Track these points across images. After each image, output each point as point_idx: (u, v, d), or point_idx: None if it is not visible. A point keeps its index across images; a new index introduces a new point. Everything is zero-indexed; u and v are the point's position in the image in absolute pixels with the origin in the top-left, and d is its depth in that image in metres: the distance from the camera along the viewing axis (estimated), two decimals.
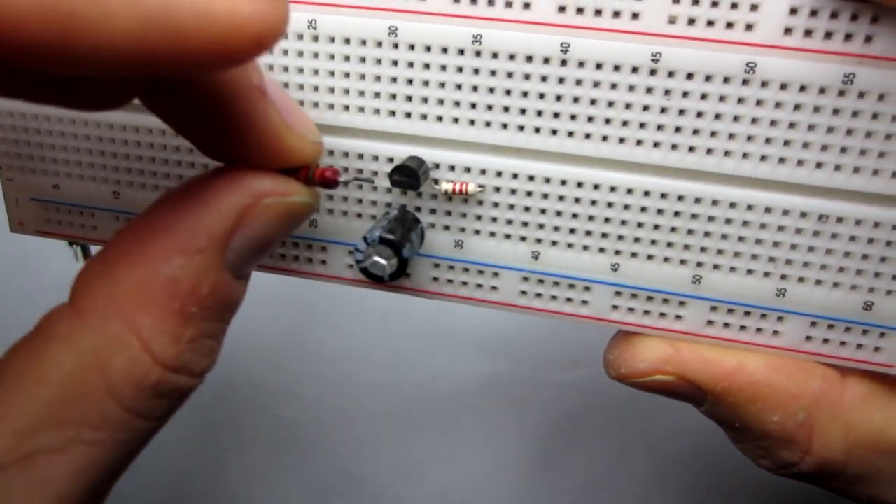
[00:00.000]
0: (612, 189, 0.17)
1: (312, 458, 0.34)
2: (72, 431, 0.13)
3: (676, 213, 0.17)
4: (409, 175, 0.17)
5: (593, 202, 0.18)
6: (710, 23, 0.16)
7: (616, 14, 0.16)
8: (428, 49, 0.17)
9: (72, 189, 0.21)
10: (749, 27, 0.15)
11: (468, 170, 0.18)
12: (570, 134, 0.17)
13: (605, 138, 0.17)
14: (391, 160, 0.18)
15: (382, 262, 0.17)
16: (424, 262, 0.19)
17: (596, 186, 0.17)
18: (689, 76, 0.16)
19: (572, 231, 0.18)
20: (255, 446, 0.34)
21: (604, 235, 0.18)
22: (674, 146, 0.17)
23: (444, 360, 0.34)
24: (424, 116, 0.18)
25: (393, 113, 0.18)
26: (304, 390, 0.34)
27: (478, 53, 0.17)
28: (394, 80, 0.17)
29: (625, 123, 0.17)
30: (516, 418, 0.33)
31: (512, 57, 0.17)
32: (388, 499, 0.34)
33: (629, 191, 0.17)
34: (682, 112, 0.16)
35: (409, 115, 0.18)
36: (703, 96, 0.16)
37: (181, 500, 0.33)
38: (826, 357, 0.18)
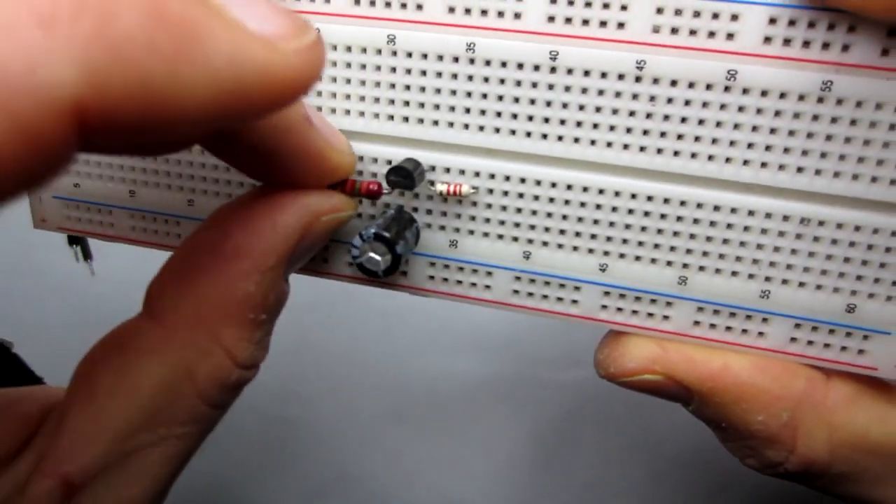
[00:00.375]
0: (601, 192, 0.18)
1: (312, 458, 0.34)
2: (164, 429, 0.15)
3: (662, 216, 0.18)
4: (405, 176, 0.18)
5: (582, 204, 0.18)
6: (693, 32, 0.16)
7: (603, 24, 0.17)
8: (424, 56, 0.18)
9: (91, 188, 0.22)
10: (730, 36, 0.16)
11: (462, 172, 0.19)
12: (560, 138, 0.18)
13: (592, 142, 0.18)
14: (389, 162, 0.19)
15: (377, 257, 0.18)
16: (420, 260, 0.20)
17: (585, 189, 0.18)
18: (673, 83, 0.17)
19: (562, 232, 0.19)
20: (254, 446, 0.34)
21: (592, 237, 0.19)
22: (659, 150, 0.17)
23: (444, 359, 0.34)
24: (421, 121, 0.18)
25: (391, 117, 0.19)
26: (304, 390, 0.34)
27: (471, 61, 0.18)
28: (392, 85, 0.18)
29: (612, 128, 0.17)
30: (516, 418, 0.33)
31: (504, 64, 0.17)
32: (389, 499, 0.34)
33: (616, 193, 0.18)
34: (666, 117, 0.17)
35: (406, 119, 0.19)
36: (687, 102, 0.17)
37: (181, 500, 0.33)
38: (810, 359, 0.18)
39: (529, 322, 0.32)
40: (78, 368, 0.16)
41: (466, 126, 0.18)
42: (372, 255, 0.18)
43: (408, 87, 0.18)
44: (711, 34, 0.16)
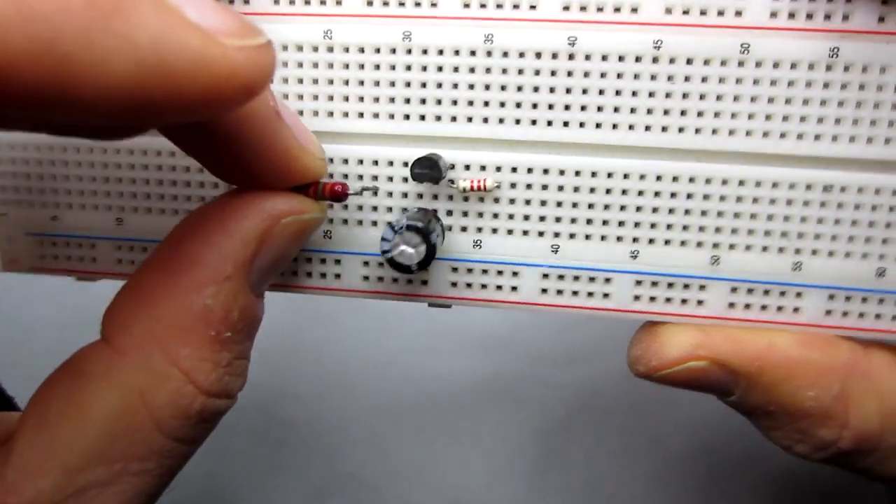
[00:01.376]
0: (625, 176, 0.18)
1: (312, 458, 0.33)
2: (119, 465, 0.13)
3: (689, 195, 0.18)
4: (430, 167, 0.17)
5: (608, 191, 0.18)
6: (703, 11, 0.17)
7: (617, 9, 0.17)
8: (440, 52, 0.18)
9: (72, 219, 0.20)
10: (738, 13, 0.17)
11: (483, 168, 0.18)
12: (581, 124, 0.18)
13: (614, 126, 0.18)
14: (406, 164, 0.18)
15: (410, 250, 0.17)
16: (442, 266, 0.19)
17: (609, 174, 0.18)
18: (689, 61, 0.17)
19: (589, 222, 0.18)
20: (254, 446, 0.33)
21: (620, 224, 0.18)
22: (680, 129, 0.18)
23: (444, 359, 0.34)
24: (439, 118, 0.18)
25: (407, 116, 0.18)
26: (304, 390, 0.33)
27: (489, 53, 0.18)
28: (408, 84, 0.18)
29: (632, 110, 0.18)
30: (516, 417, 0.33)
31: (522, 55, 0.18)
32: (388, 498, 0.33)
33: (642, 176, 0.18)
34: (685, 95, 0.17)
35: (423, 117, 0.18)
36: (704, 79, 0.17)
37: (181, 500, 0.31)
38: (848, 330, 0.18)
39: (529, 322, 0.33)
40: (32, 396, 0.14)
41: (486, 119, 0.18)
42: (404, 247, 0.17)
43: (424, 85, 0.18)
44: (721, 12, 0.17)
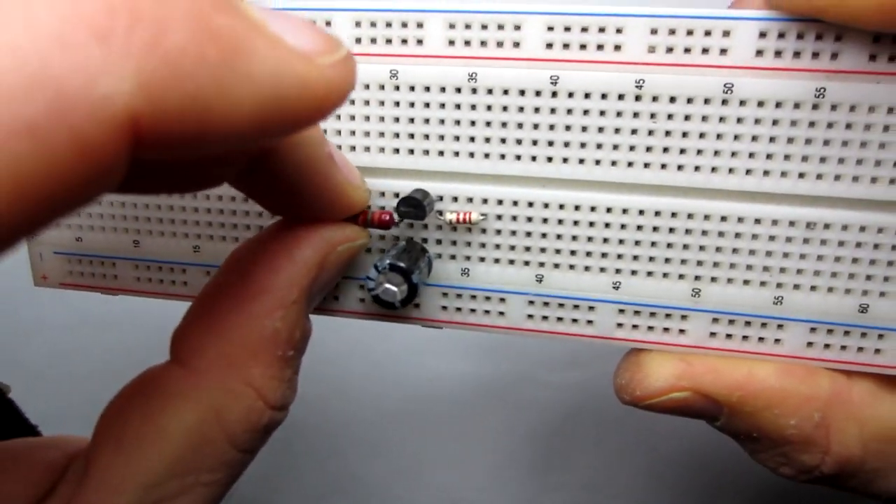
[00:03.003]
0: (608, 210, 0.18)
1: (312, 458, 0.34)
2: (192, 477, 0.14)
3: (671, 230, 0.18)
4: (414, 206, 0.18)
5: (591, 224, 0.19)
6: (687, 50, 0.17)
7: (600, 47, 0.17)
8: (427, 89, 0.18)
9: (93, 240, 0.22)
10: (723, 51, 0.17)
11: (470, 200, 0.19)
12: (565, 160, 0.18)
13: (597, 162, 0.18)
14: (397, 195, 0.19)
15: (393, 288, 0.18)
16: (433, 291, 0.20)
17: (592, 209, 0.18)
18: (672, 99, 0.17)
19: (573, 253, 0.19)
20: None
21: (603, 255, 0.19)
22: (663, 166, 0.18)
23: (444, 360, 0.34)
24: (427, 152, 0.19)
25: (397, 150, 0.19)
26: (304, 390, 0.34)
27: (474, 90, 0.18)
28: (396, 119, 0.19)
29: (615, 147, 0.18)
30: (516, 418, 0.33)
31: (506, 92, 0.18)
32: (388, 499, 0.34)
33: (624, 211, 0.18)
34: (668, 133, 0.17)
35: (412, 151, 0.19)
36: (687, 117, 0.17)
37: None
38: (829, 362, 0.18)
39: None
40: (102, 417, 0.15)
41: (472, 154, 0.19)
42: (388, 286, 0.18)
43: (412, 120, 0.19)
44: (705, 51, 0.17)
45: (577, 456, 0.34)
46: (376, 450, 0.34)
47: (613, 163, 0.18)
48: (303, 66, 0.10)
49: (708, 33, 0.17)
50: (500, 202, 0.19)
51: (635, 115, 0.17)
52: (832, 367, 0.18)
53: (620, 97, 0.17)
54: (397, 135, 0.19)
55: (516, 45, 0.18)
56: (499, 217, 0.19)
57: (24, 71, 0.07)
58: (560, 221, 0.19)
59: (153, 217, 0.21)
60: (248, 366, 0.15)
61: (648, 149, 0.18)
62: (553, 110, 0.18)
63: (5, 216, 0.07)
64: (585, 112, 0.18)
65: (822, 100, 0.16)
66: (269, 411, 0.16)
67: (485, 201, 0.19)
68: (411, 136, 0.19)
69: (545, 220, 0.19)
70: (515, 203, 0.19)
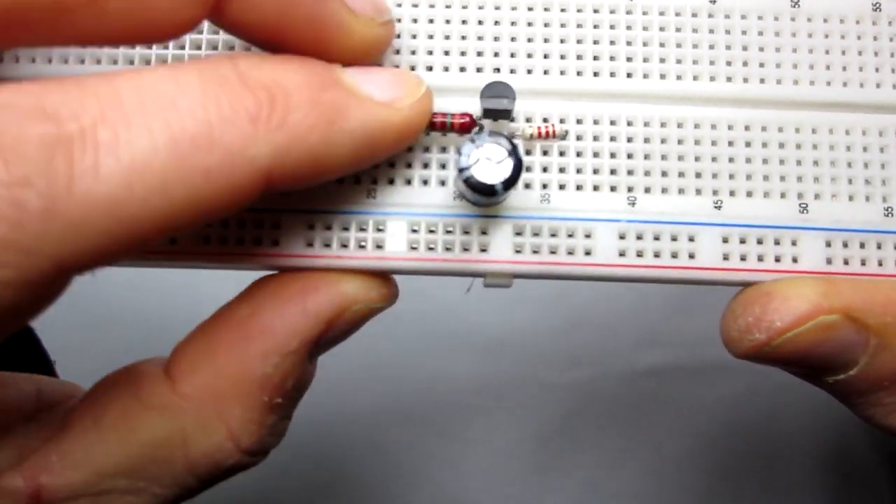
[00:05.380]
0: (696, 126, 0.17)
1: (312, 458, 0.34)
2: (144, 483, 0.15)
3: (764, 144, 0.17)
4: (501, 95, 0.16)
5: (680, 141, 0.17)
6: None
7: None
8: (514, 8, 0.17)
9: None
10: None
11: (546, 120, 0.17)
12: (645, 75, 0.17)
13: (679, 77, 0.17)
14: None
15: (494, 166, 0.14)
16: (504, 227, 0.17)
17: (679, 125, 0.17)
18: (743, 16, 0.17)
19: (664, 174, 0.17)
20: None
21: (698, 175, 0.17)
22: (745, 79, 0.17)
23: (444, 360, 0.34)
24: (497, 70, 0.17)
25: (480, 70, 0.17)
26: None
27: (546, 9, 0.17)
28: (480, 37, 0.17)
29: (695, 61, 0.17)
30: (516, 418, 0.34)
31: (580, 10, 0.17)
32: (388, 499, 0.34)
33: (713, 126, 0.17)
34: (745, 48, 0.17)
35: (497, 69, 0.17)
36: (760, 32, 0.17)
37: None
38: None
39: (529, 322, 0.33)
40: (96, 387, 0.16)
41: (546, 72, 0.17)
42: (488, 161, 0.14)
43: (497, 39, 0.17)
44: None
45: (577, 456, 0.34)
46: (376, 450, 0.34)
47: (695, 77, 0.17)
48: (385, 112, 0.14)
49: None
50: (579, 121, 0.17)
51: (711, 30, 0.17)
52: None
53: (694, 14, 0.17)
54: (479, 52, 0.17)
55: None
56: (579, 137, 0.17)
57: (209, 136, 0.12)
58: (646, 139, 0.17)
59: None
60: (230, 404, 0.15)
61: (728, 62, 0.17)
62: (629, 27, 0.17)
63: (176, 220, 0.12)
64: (661, 28, 0.17)
65: (879, 14, 0.17)
66: (238, 454, 0.15)
67: (562, 120, 0.17)
68: (480, 52, 0.17)
69: (630, 139, 0.17)
70: (596, 121, 0.17)
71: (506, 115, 0.16)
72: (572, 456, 0.34)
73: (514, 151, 0.14)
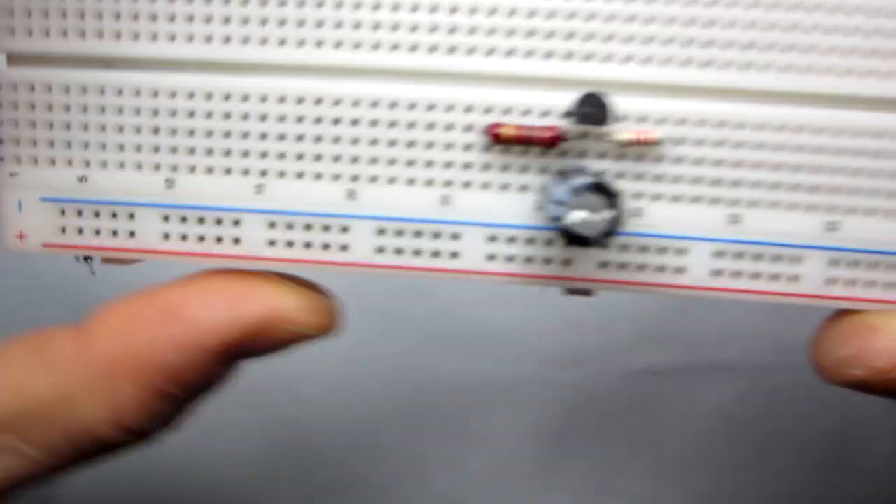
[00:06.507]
0: (818, 131, 0.15)
1: (312, 458, 0.34)
2: (14, 440, 0.14)
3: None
4: (597, 105, 0.14)
5: (798, 148, 0.15)
6: None
7: None
8: None
9: (106, 180, 0.16)
10: None
11: (643, 120, 0.15)
12: (756, 67, 0.15)
13: (804, 70, 0.15)
14: (546, 113, 0.15)
15: (593, 216, 0.13)
16: None
17: (779, 128, 0.15)
18: None
19: (775, 187, 0.15)
20: (254, 446, 0.34)
21: (812, 190, 0.15)
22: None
23: (444, 359, 0.34)
24: (568, 54, 0.15)
25: (547, 54, 0.15)
26: (304, 390, 0.34)
27: None
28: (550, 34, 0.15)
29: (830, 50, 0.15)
30: (516, 418, 0.34)
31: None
32: (388, 499, 0.34)
33: (852, 133, 0.15)
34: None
35: (569, 55, 0.15)
36: None
37: (184, 500, 0.33)
38: None
39: (529, 321, 0.33)
40: (8, 340, 0.15)
41: (646, 60, 0.15)
42: (584, 213, 0.13)
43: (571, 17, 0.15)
44: None
45: (577, 456, 0.34)
46: (376, 450, 0.34)
47: (827, 70, 0.15)
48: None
49: None
50: (681, 121, 0.15)
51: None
52: None
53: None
54: (553, 33, 0.15)
55: None
56: (679, 141, 0.15)
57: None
58: (758, 145, 0.15)
59: (199, 146, 0.16)
60: (125, 380, 0.14)
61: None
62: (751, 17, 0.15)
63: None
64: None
65: None
66: (116, 430, 0.14)
67: (661, 121, 0.15)
68: (570, 34, 0.15)
69: (739, 145, 0.15)
70: (702, 122, 0.15)
71: (602, 120, 0.14)
72: (572, 456, 0.34)
73: (615, 202, 0.13)
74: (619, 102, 0.15)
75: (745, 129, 0.15)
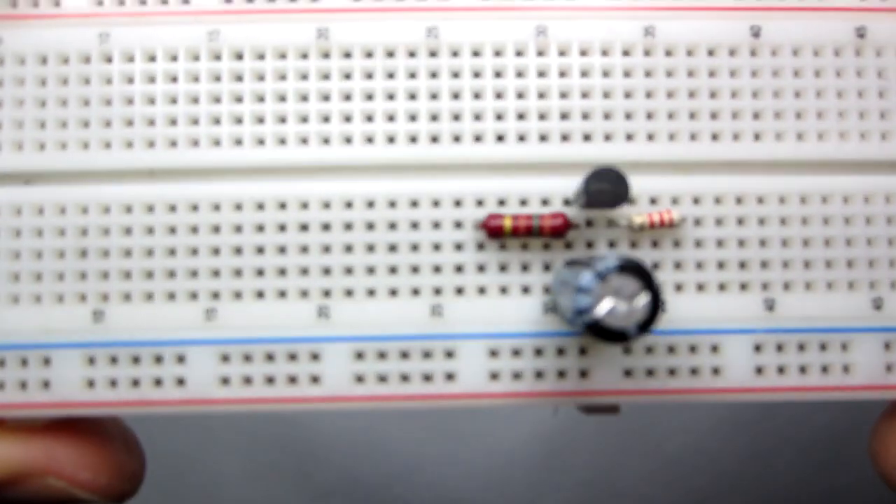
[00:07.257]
0: (847, 199, 0.13)
1: (313, 458, 0.34)
2: None
3: None
4: (612, 182, 0.12)
5: (825, 220, 0.13)
6: None
7: None
8: (584, 53, 0.13)
9: (16, 319, 0.13)
10: None
11: (653, 201, 0.13)
12: (778, 136, 0.13)
13: (841, 136, 0.13)
14: (545, 202, 0.13)
15: (625, 306, 0.10)
16: (609, 349, 0.13)
17: (826, 197, 0.13)
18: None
19: (807, 266, 0.13)
20: (254, 447, 0.34)
21: (849, 265, 0.13)
22: None
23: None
24: (588, 137, 0.13)
25: (566, 138, 0.13)
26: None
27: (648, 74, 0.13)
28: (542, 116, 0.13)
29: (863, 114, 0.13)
30: (516, 418, 0.34)
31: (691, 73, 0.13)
32: (388, 499, 0.34)
33: (857, 198, 0.13)
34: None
35: (570, 135, 0.13)
36: None
37: (185, 499, 0.33)
38: None
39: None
40: None
41: (651, 136, 0.13)
42: (616, 302, 0.10)
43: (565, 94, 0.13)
44: None
45: (577, 455, 0.34)
46: (376, 449, 0.34)
47: (862, 135, 0.13)
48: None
49: None
50: (696, 200, 0.13)
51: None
52: None
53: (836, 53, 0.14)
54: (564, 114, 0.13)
55: None
56: (697, 222, 0.13)
57: None
58: (783, 221, 0.13)
59: (135, 268, 0.13)
60: None
61: None
62: (754, 72, 0.13)
63: None
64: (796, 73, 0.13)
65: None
66: None
67: (674, 201, 0.13)
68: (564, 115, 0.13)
69: (762, 221, 0.13)
70: (718, 200, 0.13)
71: (619, 200, 0.12)
72: (572, 455, 0.34)
73: (650, 282, 0.10)
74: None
75: (768, 203, 0.13)
